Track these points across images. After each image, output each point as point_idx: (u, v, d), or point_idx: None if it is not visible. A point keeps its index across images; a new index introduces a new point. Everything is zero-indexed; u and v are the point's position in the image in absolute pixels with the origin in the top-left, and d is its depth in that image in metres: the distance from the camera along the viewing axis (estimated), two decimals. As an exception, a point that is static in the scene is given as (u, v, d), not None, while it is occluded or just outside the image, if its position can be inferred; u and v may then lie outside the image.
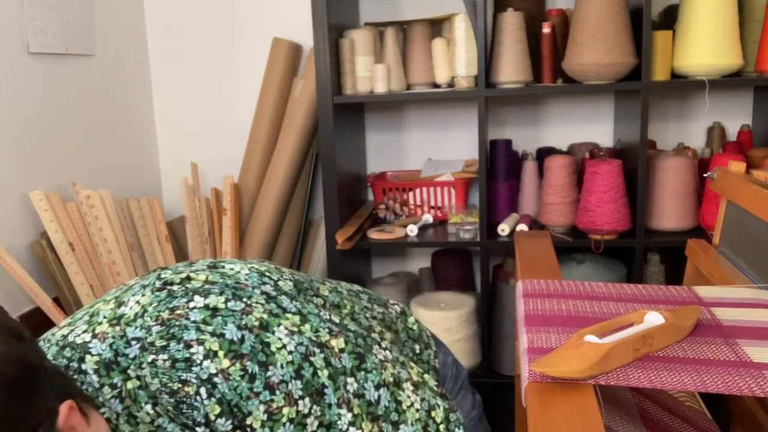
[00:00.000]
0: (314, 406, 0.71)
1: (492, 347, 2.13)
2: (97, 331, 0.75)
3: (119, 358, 0.72)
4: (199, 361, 0.70)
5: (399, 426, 0.75)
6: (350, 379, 0.74)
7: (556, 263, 1.16)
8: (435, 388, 0.81)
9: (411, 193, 2.22)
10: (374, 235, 2.07)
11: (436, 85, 2.13)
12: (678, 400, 1.09)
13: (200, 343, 0.71)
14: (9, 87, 1.81)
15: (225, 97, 2.48)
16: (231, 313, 0.73)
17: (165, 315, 0.73)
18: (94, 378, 0.72)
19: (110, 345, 0.73)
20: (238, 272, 0.81)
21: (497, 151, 2.13)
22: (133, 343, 0.72)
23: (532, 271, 1.09)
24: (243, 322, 0.73)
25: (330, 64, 1.96)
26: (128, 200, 2.13)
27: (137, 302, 0.76)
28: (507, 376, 2.12)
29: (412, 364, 0.83)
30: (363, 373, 0.75)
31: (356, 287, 1.00)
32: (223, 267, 0.82)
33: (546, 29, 1.98)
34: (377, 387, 0.75)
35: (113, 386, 0.71)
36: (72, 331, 0.77)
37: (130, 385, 0.71)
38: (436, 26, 2.18)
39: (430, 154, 2.39)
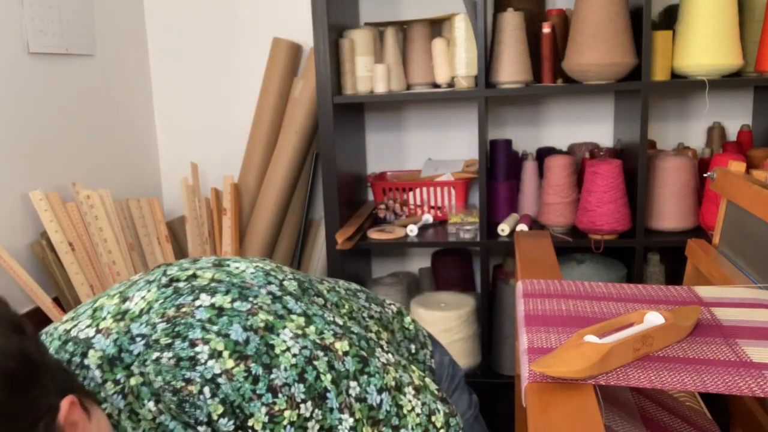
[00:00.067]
0: (316, 410, 0.71)
1: (492, 347, 2.13)
2: (101, 327, 0.74)
3: (123, 354, 0.72)
4: (203, 361, 0.70)
5: (399, 430, 0.75)
6: (353, 383, 0.74)
7: (556, 263, 1.16)
8: (436, 392, 0.81)
9: (411, 193, 2.22)
10: (374, 235, 2.07)
11: (436, 85, 2.13)
12: (678, 400, 1.09)
13: (205, 342, 0.70)
14: (9, 87, 1.81)
15: (225, 97, 2.48)
16: (237, 314, 0.73)
17: (171, 312, 0.73)
18: (97, 373, 0.72)
19: (114, 341, 0.72)
20: (244, 271, 0.80)
21: (497, 151, 2.13)
22: (138, 339, 0.72)
23: (532, 271, 1.09)
24: (248, 323, 0.72)
25: (330, 64, 1.96)
26: (128, 200, 2.13)
27: (143, 298, 0.76)
28: (507, 376, 2.12)
29: (413, 367, 0.83)
30: (366, 376, 0.75)
31: (354, 286, 1.00)
32: (228, 265, 0.81)
33: (546, 29, 1.98)
34: (379, 391, 0.75)
35: (116, 382, 0.71)
36: (75, 325, 0.76)
37: (133, 381, 0.71)
38: (436, 26, 2.18)
39: (430, 154, 2.39)
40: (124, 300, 0.77)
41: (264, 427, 0.69)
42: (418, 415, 0.77)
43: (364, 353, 0.77)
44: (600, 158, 2.00)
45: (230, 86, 2.46)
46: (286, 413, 0.70)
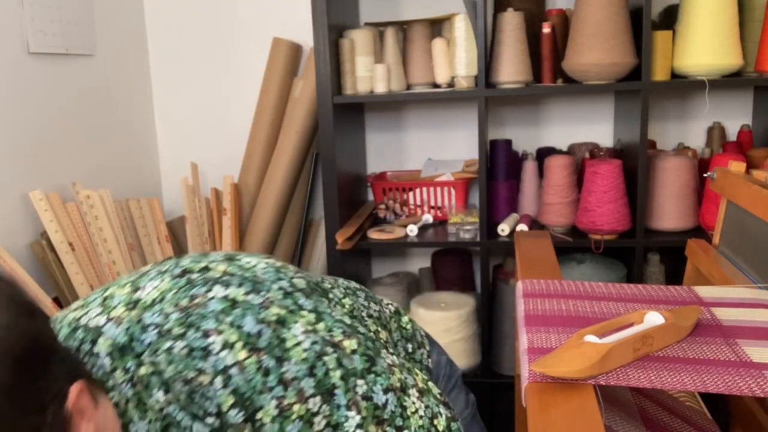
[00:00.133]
0: (324, 406, 0.71)
1: (492, 347, 2.13)
2: (112, 315, 0.74)
3: (134, 344, 0.71)
4: (216, 351, 0.70)
5: (402, 431, 0.75)
6: (360, 381, 0.74)
7: (556, 263, 1.16)
8: (438, 396, 0.81)
9: (411, 193, 2.22)
10: (374, 235, 2.07)
11: (436, 85, 2.13)
12: (678, 400, 1.09)
13: (219, 333, 0.70)
14: (9, 87, 1.81)
15: (225, 97, 2.48)
16: (250, 306, 0.73)
17: (184, 302, 0.73)
18: (107, 361, 0.71)
19: (125, 329, 0.72)
20: (255, 266, 0.80)
21: (497, 151, 2.13)
22: (150, 328, 0.72)
23: (532, 271, 1.09)
24: (261, 316, 0.73)
25: (330, 64, 1.96)
26: (128, 200, 2.13)
27: (155, 288, 0.76)
28: (507, 376, 2.12)
29: (417, 370, 0.83)
30: (373, 375, 0.75)
31: (353, 285, 1.00)
32: (240, 260, 0.81)
33: (546, 29, 1.98)
34: (385, 391, 0.75)
35: (126, 370, 0.71)
36: (85, 314, 0.76)
37: (143, 371, 0.70)
38: (436, 26, 2.18)
39: (430, 154, 2.39)
40: (136, 289, 0.77)
41: (273, 420, 0.69)
42: (421, 417, 0.77)
43: (371, 353, 0.77)
44: (600, 158, 2.00)
45: (230, 86, 2.46)
46: (295, 407, 0.70)
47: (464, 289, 2.23)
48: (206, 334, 0.70)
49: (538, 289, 1.00)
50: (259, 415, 0.69)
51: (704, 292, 0.99)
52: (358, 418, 0.72)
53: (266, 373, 0.70)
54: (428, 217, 2.17)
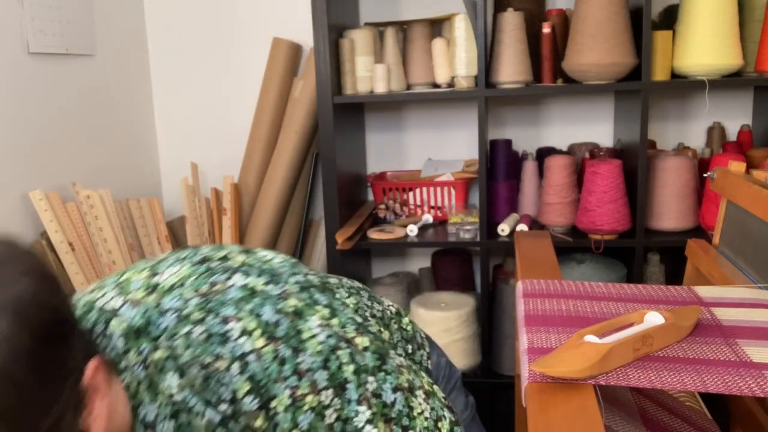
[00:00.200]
0: (335, 399, 0.72)
1: (492, 347, 2.13)
2: (129, 298, 0.75)
3: (150, 327, 0.72)
4: (234, 338, 0.70)
5: (407, 431, 0.75)
6: (371, 378, 0.75)
7: (556, 263, 1.16)
8: (443, 400, 0.82)
9: (411, 193, 2.22)
10: (374, 235, 2.07)
11: (436, 85, 2.13)
12: (678, 400, 1.09)
13: (238, 320, 0.71)
14: (9, 87, 1.81)
15: (225, 97, 2.48)
16: (269, 296, 0.74)
17: (204, 288, 0.74)
18: (120, 342, 0.72)
19: (143, 313, 0.73)
20: (272, 260, 0.82)
21: (497, 151, 2.13)
22: (169, 313, 0.72)
23: (532, 271, 1.09)
24: (279, 307, 0.73)
25: (330, 64, 1.96)
26: (128, 200, 2.13)
27: (175, 273, 0.76)
28: (507, 376, 2.12)
29: (422, 373, 0.84)
30: (383, 374, 0.76)
31: (357, 284, 1.00)
32: (257, 253, 0.83)
33: (546, 29, 1.98)
34: (394, 390, 0.76)
35: (139, 352, 0.71)
36: (101, 296, 0.77)
37: (158, 354, 0.71)
38: (436, 26, 2.18)
39: (430, 154, 2.39)
40: (154, 274, 0.77)
41: (286, 410, 0.70)
42: (426, 419, 0.77)
43: (382, 351, 0.78)
44: (600, 158, 2.00)
45: (230, 86, 2.46)
46: (308, 398, 0.70)
47: (464, 289, 2.23)
48: (225, 320, 0.71)
49: (538, 289, 1.00)
50: (273, 404, 0.69)
51: (704, 292, 0.99)
52: (368, 413, 0.73)
53: (282, 362, 0.70)
54: (428, 217, 2.17)
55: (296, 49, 2.32)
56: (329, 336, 0.74)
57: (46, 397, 0.59)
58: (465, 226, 2.05)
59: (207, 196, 2.33)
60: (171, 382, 0.70)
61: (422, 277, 2.40)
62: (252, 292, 0.74)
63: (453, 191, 2.18)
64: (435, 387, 0.83)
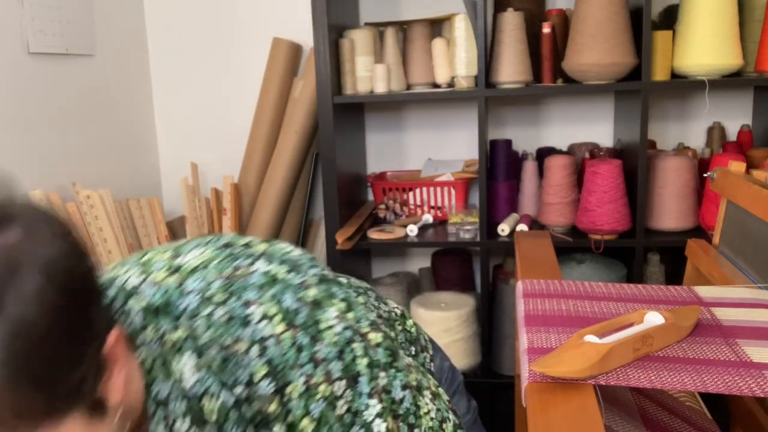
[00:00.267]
0: (347, 390, 0.72)
1: (492, 347, 2.13)
2: (152, 278, 0.75)
3: (169, 307, 0.72)
4: (255, 321, 0.71)
5: (413, 429, 0.76)
6: (382, 373, 0.76)
7: (556, 263, 1.16)
8: (448, 402, 0.83)
9: (411, 193, 2.22)
10: (374, 235, 2.07)
11: (436, 85, 2.13)
12: (678, 400, 1.09)
13: (260, 304, 0.72)
14: (9, 87, 1.81)
15: (225, 97, 2.48)
16: (290, 284, 0.75)
17: (228, 272, 0.74)
18: (138, 318, 0.72)
19: (163, 292, 0.73)
20: (291, 252, 0.83)
21: (497, 151, 2.13)
22: (190, 294, 0.73)
23: (532, 271, 1.09)
24: (299, 295, 0.74)
25: (330, 64, 1.96)
26: (128, 200, 2.13)
27: (198, 256, 0.77)
28: (507, 376, 2.12)
29: (429, 375, 0.85)
30: (393, 371, 0.77)
31: (364, 284, 1.01)
32: (276, 244, 0.84)
33: (546, 29, 1.98)
34: (403, 387, 0.77)
35: (157, 329, 0.72)
36: (124, 274, 0.77)
37: (178, 333, 0.71)
38: (436, 26, 2.18)
39: (430, 154, 2.39)
40: (177, 255, 0.78)
41: (300, 397, 0.70)
42: (432, 419, 0.78)
43: (393, 349, 0.78)
44: (600, 158, 2.00)
45: (230, 86, 2.46)
46: (321, 387, 0.71)
47: (464, 289, 2.23)
48: (247, 304, 0.72)
49: (538, 289, 1.00)
50: (288, 389, 0.70)
51: (704, 292, 0.99)
52: (378, 407, 0.74)
53: (299, 349, 0.71)
54: (428, 217, 2.17)
55: (296, 49, 2.32)
56: (345, 328, 0.75)
57: (71, 354, 0.60)
58: (465, 226, 2.05)
59: (207, 196, 2.33)
60: (187, 361, 0.70)
61: (422, 277, 2.40)
62: (274, 279, 0.75)
63: (453, 191, 2.18)
64: (440, 389, 0.84)
